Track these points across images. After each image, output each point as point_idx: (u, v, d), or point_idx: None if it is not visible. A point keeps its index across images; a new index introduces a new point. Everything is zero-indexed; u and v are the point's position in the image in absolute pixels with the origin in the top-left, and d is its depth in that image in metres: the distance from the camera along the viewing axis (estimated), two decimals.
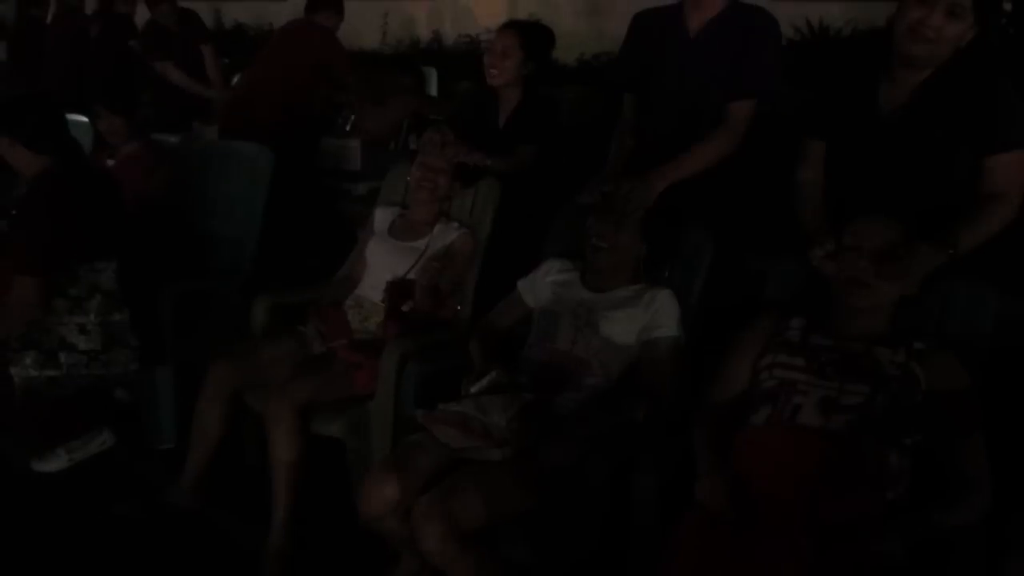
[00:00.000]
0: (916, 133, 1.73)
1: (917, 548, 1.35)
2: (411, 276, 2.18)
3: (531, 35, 2.57)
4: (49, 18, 5.62)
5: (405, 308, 2.16)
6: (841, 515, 1.36)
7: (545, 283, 1.99)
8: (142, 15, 4.86)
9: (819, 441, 1.44)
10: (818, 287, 1.70)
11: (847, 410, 1.47)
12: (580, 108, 4.05)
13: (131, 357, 2.36)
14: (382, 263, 2.25)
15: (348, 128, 3.66)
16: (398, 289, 2.17)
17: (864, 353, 1.55)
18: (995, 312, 1.65)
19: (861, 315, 1.59)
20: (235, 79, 4.33)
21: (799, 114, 2.00)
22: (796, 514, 1.37)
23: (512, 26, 2.58)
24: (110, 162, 3.01)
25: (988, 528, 1.40)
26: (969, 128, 1.69)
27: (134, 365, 2.37)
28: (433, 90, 4.47)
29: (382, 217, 2.36)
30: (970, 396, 1.50)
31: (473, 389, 1.77)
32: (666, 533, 1.48)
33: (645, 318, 1.83)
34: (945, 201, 1.70)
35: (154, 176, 2.97)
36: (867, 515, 1.38)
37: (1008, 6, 3.58)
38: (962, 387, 1.50)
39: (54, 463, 2.43)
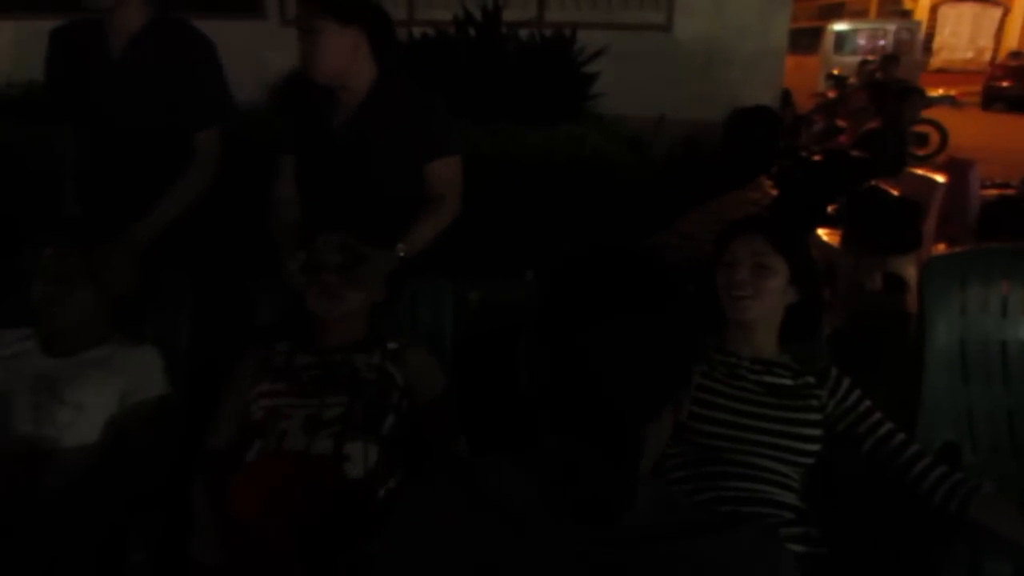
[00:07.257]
0: (360, 143, 1.86)
1: None
2: None
3: None
4: None
5: None
6: (332, 531, 1.35)
7: None
8: None
9: (302, 463, 1.42)
10: (303, 307, 1.70)
11: (330, 423, 1.48)
12: None
13: None
14: None
15: None
16: None
17: (344, 363, 1.58)
18: (456, 301, 1.84)
19: (338, 326, 1.63)
20: None
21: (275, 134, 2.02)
22: (291, 541, 1.32)
23: None
24: None
25: None
26: (408, 139, 1.85)
27: None
28: None
29: None
30: (449, 402, 1.59)
31: None
32: None
33: (123, 380, 1.63)
34: (401, 206, 1.84)
35: None
36: (359, 523, 1.38)
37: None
38: (440, 391, 1.59)
39: None
